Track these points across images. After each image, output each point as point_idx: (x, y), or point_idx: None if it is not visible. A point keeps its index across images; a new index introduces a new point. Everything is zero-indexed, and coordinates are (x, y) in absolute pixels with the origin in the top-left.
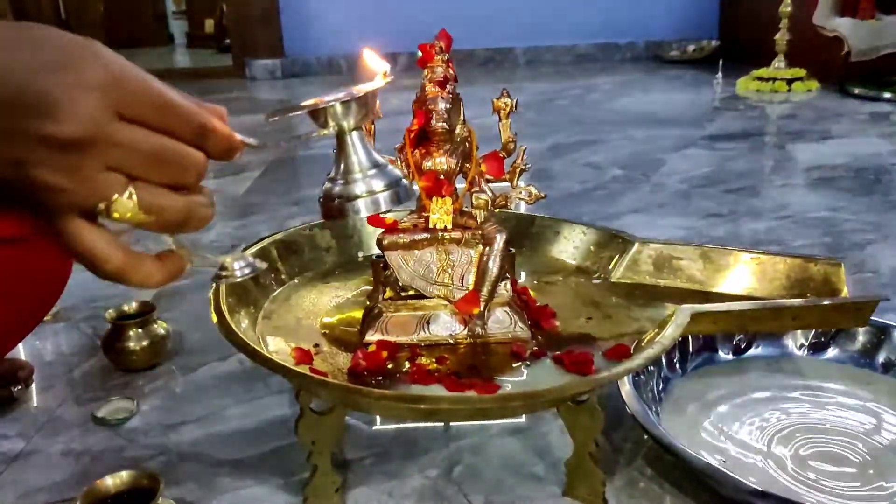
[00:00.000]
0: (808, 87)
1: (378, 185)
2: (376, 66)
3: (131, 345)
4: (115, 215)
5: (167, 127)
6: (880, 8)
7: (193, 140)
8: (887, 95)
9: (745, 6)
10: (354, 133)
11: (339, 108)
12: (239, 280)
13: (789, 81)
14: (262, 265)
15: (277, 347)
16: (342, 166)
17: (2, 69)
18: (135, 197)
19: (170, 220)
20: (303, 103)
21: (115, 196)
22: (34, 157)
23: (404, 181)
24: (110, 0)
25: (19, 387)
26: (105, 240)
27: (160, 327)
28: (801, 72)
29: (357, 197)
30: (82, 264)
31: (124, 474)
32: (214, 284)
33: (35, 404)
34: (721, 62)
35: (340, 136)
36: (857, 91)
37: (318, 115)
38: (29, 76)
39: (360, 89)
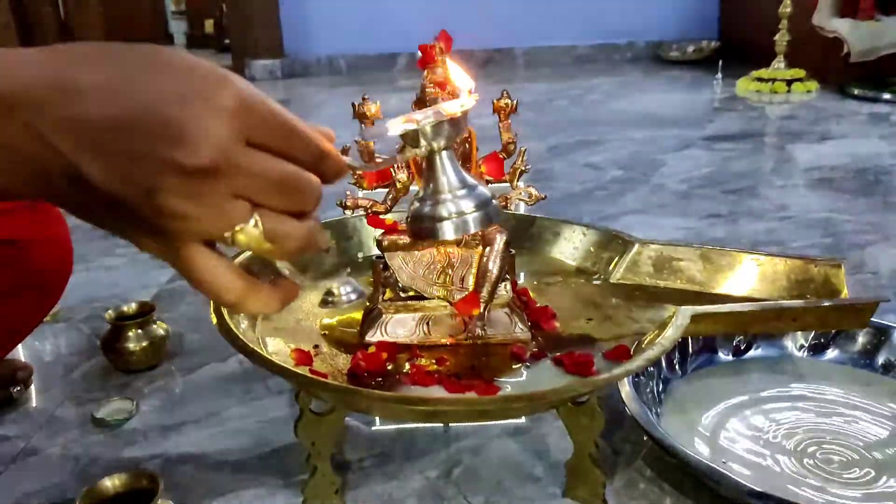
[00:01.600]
0: (808, 87)
1: (467, 206)
2: (462, 83)
3: (131, 345)
4: (241, 243)
5: (291, 152)
6: (880, 9)
7: (312, 165)
8: (887, 96)
9: (744, 7)
10: (444, 153)
11: (430, 129)
12: (346, 306)
13: (789, 82)
14: (365, 291)
15: (277, 348)
16: (431, 186)
17: (134, 95)
18: (260, 225)
19: (292, 248)
20: (391, 122)
21: (241, 224)
22: (164, 184)
23: (494, 202)
24: (110, 0)
25: (18, 388)
26: (227, 269)
27: (160, 328)
28: (801, 72)
29: (444, 218)
30: (201, 291)
31: (123, 475)
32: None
33: (34, 405)
34: (721, 63)
35: (430, 155)
36: (856, 92)
37: (409, 135)
38: (160, 103)
39: (450, 110)
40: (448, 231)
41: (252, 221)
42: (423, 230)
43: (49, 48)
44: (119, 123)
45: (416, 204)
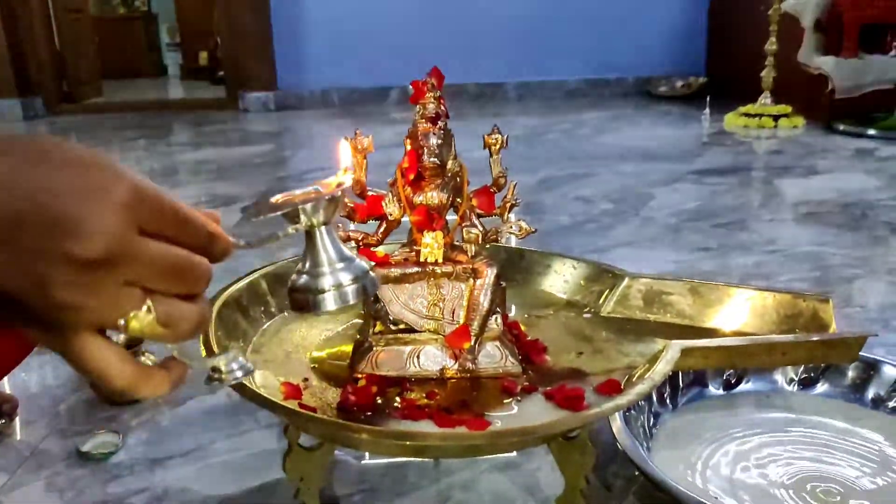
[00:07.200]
0: (794, 123)
1: (346, 278)
2: (341, 160)
3: None
4: (133, 330)
5: (181, 238)
6: (863, 47)
7: (202, 248)
8: (872, 132)
9: (731, 44)
10: (324, 228)
11: (310, 207)
12: (232, 383)
13: (776, 117)
14: (252, 367)
15: (266, 381)
16: (311, 260)
17: (26, 189)
18: (153, 311)
19: (185, 330)
20: (274, 199)
21: (134, 312)
22: (57, 276)
23: (371, 274)
24: (105, 31)
25: (3, 420)
26: (117, 356)
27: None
28: (787, 108)
29: (324, 291)
30: (90, 378)
31: None
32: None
33: (19, 438)
34: (708, 98)
35: (310, 231)
36: (842, 127)
37: (290, 212)
38: (54, 197)
39: (328, 185)
40: (328, 303)
41: (145, 308)
42: (303, 302)
43: None
44: (11, 216)
45: (295, 276)
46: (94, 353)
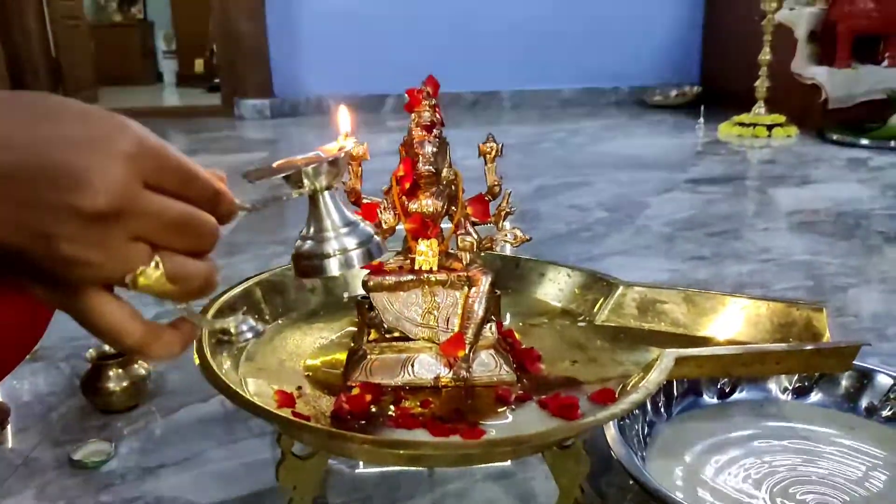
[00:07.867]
0: (788, 132)
1: (350, 243)
2: (341, 126)
3: (111, 385)
4: (142, 286)
5: (188, 194)
6: (856, 57)
7: (208, 206)
8: (864, 141)
9: (726, 53)
10: (327, 192)
11: (312, 170)
12: (241, 344)
13: (769, 127)
14: (262, 328)
15: (259, 390)
16: (315, 225)
17: (29, 142)
18: (161, 267)
19: (192, 288)
20: (275, 164)
21: (142, 267)
22: (63, 230)
23: (376, 238)
24: (101, 38)
25: None
26: (127, 314)
27: (141, 367)
28: (781, 118)
29: (329, 255)
30: (101, 338)
31: None
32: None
33: (10, 446)
34: (703, 107)
35: (313, 195)
36: (835, 137)
37: (292, 176)
38: (57, 149)
39: (330, 150)
40: (333, 267)
41: (153, 263)
42: (307, 267)
43: None
44: (14, 171)
45: (300, 242)
46: (103, 311)
